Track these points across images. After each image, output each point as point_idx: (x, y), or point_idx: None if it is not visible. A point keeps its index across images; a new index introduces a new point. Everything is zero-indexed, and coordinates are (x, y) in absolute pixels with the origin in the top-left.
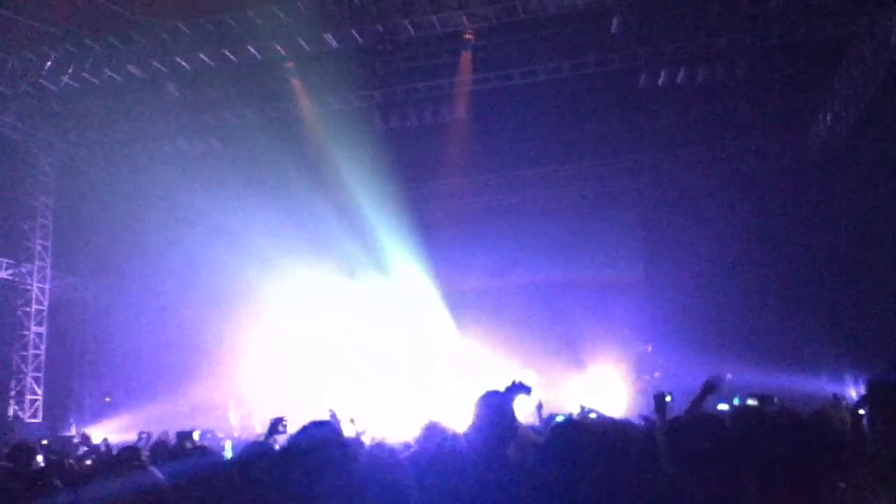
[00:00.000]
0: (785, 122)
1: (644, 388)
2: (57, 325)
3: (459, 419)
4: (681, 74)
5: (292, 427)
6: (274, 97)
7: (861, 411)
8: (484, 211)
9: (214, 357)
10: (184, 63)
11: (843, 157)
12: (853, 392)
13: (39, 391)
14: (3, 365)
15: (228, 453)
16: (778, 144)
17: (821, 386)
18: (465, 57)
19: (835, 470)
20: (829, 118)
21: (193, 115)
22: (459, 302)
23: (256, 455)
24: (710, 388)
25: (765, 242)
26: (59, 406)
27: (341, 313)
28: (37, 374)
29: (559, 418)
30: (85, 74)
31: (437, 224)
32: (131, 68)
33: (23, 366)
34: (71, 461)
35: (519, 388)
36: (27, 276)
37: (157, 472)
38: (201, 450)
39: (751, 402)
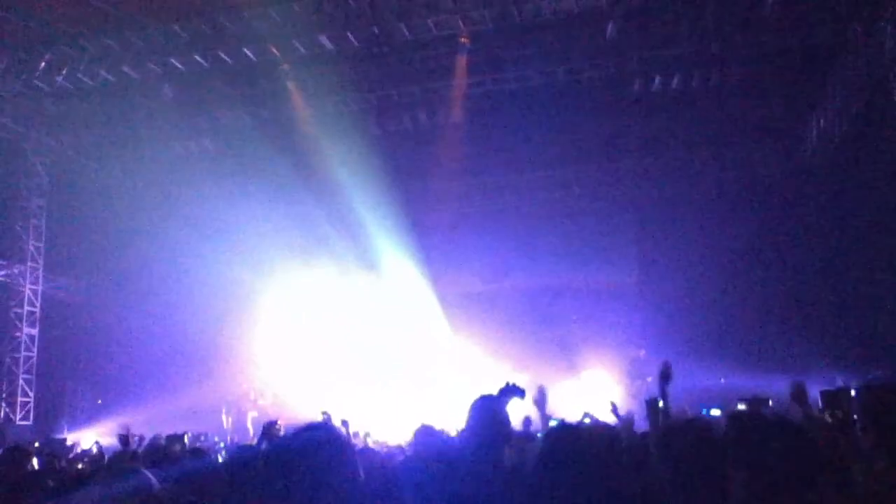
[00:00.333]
0: (778, 128)
1: (637, 393)
2: (49, 327)
3: (453, 422)
4: (675, 80)
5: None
6: (269, 99)
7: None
8: (478, 214)
9: (208, 359)
10: (179, 64)
11: (836, 163)
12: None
13: (31, 393)
14: None
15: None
16: (771, 149)
17: (812, 392)
18: (461, 60)
19: (826, 475)
20: (822, 123)
21: (188, 116)
22: (454, 304)
23: (249, 458)
24: (665, 375)
25: (757, 247)
26: (51, 409)
27: (336, 315)
28: (28, 377)
29: (552, 423)
30: (79, 75)
31: (431, 227)
32: (126, 69)
33: (14, 368)
34: (63, 464)
35: (513, 391)
36: (20, 278)
37: (150, 475)
38: (195, 452)
39: (740, 406)
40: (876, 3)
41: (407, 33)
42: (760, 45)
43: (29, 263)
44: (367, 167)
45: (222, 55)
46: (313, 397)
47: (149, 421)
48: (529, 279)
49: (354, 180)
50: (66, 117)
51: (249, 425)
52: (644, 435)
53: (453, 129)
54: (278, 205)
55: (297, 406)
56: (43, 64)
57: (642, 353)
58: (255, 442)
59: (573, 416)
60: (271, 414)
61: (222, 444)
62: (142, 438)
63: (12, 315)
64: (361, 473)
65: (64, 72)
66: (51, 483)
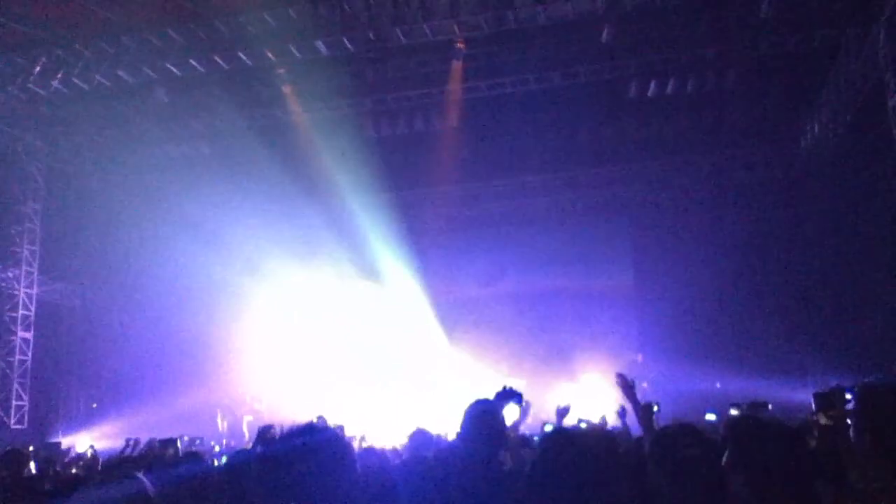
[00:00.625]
0: (774, 132)
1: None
2: (44, 331)
3: (448, 426)
4: (671, 84)
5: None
6: (264, 103)
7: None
8: (474, 218)
9: (204, 363)
10: (174, 69)
11: (832, 166)
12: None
13: (25, 397)
14: None
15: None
16: (767, 153)
17: (808, 395)
18: (456, 65)
19: (824, 480)
20: (817, 128)
21: (183, 120)
22: (449, 308)
23: (244, 462)
24: (627, 386)
25: (754, 251)
26: (46, 413)
27: (332, 319)
28: (23, 381)
29: (548, 427)
30: (75, 79)
31: (426, 231)
32: (121, 73)
33: (9, 372)
34: (58, 468)
35: (509, 394)
36: (14, 282)
37: (145, 480)
38: (190, 456)
39: (733, 411)
40: (870, 7)
41: (403, 38)
42: (756, 48)
43: (24, 267)
44: (362, 172)
45: (218, 59)
46: (309, 401)
47: (144, 425)
48: (525, 283)
49: (350, 185)
50: (61, 121)
51: (245, 429)
52: (640, 439)
53: (449, 134)
54: (274, 209)
55: (293, 410)
56: (38, 68)
57: (640, 357)
58: (251, 446)
59: (569, 421)
60: (267, 418)
61: (218, 448)
62: (137, 442)
63: (7, 319)
64: (359, 474)
65: (59, 76)
66: (47, 486)
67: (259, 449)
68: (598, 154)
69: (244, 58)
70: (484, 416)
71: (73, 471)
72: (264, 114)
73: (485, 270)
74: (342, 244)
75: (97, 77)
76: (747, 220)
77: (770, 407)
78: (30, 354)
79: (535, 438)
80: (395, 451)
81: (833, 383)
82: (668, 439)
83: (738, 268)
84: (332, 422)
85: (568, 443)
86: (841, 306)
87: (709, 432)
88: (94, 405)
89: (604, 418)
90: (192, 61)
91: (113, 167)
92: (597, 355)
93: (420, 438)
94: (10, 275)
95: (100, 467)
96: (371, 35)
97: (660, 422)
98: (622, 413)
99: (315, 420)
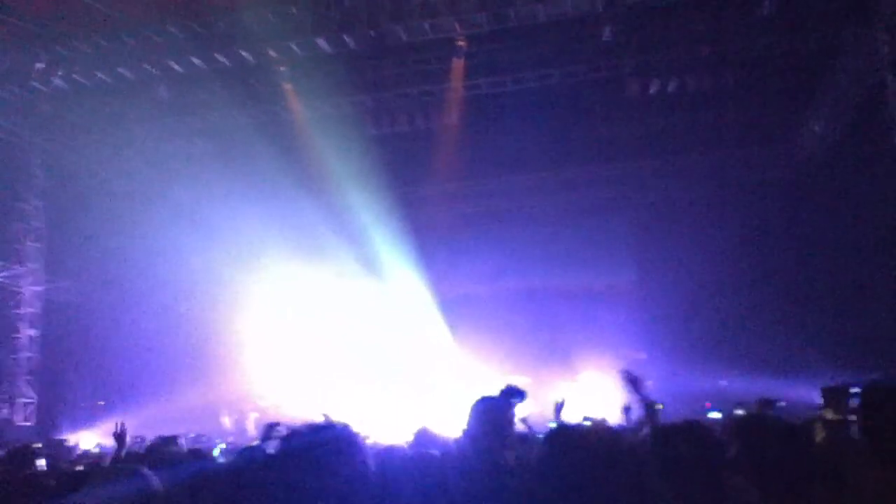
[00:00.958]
0: (773, 131)
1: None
2: (49, 328)
3: (451, 425)
4: (671, 83)
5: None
6: (265, 101)
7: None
8: (475, 216)
9: (209, 360)
10: (175, 66)
11: (832, 166)
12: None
13: (32, 395)
14: None
15: (216, 453)
16: (766, 153)
17: (812, 394)
18: (457, 63)
19: (827, 479)
20: (817, 127)
21: (184, 117)
22: (451, 307)
23: (250, 460)
24: (633, 381)
25: (756, 249)
26: (52, 410)
27: (334, 317)
28: (29, 378)
29: (551, 425)
30: (75, 76)
31: (427, 229)
32: (122, 70)
33: (15, 369)
34: (64, 465)
35: (514, 392)
36: (19, 279)
37: (151, 476)
38: (196, 453)
39: (738, 411)
40: (870, 8)
41: (403, 36)
42: (756, 49)
43: (29, 265)
44: (363, 169)
45: (218, 57)
46: (313, 399)
47: (150, 422)
48: (527, 281)
49: (351, 182)
50: (63, 118)
51: (251, 427)
52: (644, 436)
53: (450, 132)
54: (276, 207)
55: (298, 408)
56: (39, 65)
57: (643, 355)
58: (257, 443)
59: (573, 419)
60: (272, 415)
61: (224, 446)
62: (142, 440)
63: (12, 316)
64: (371, 468)
65: (60, 73)
66: (53, 483)
67: (270, 445)
68: (599, 153)
69: (245, 55)
70: (490, 413)
71: (80, 467)
72: (265, 111)
73: (486, 268)
74: (344, 242)
75: (98, 74)
76: (749, 218)
77: (783, 403)
78: (35, 352)
79: (539, 436)
80: (401, 448)
81: (838, 381)
82: (669, 437)
83: (740, 265)
84: (336, 419)
85: (573, 439)
86: (842, 304)
87: (713, 430)
88: (101, 402)
89: (604, 419)
90: (192, 58)
91: (115, 164)
92: (600, 354)
93: (425, 437)
94: (16, 272)
95: (106, 464)
96: (372, 33)
97: (664, 421)
98: (627, 410)
99: (322, 418)
